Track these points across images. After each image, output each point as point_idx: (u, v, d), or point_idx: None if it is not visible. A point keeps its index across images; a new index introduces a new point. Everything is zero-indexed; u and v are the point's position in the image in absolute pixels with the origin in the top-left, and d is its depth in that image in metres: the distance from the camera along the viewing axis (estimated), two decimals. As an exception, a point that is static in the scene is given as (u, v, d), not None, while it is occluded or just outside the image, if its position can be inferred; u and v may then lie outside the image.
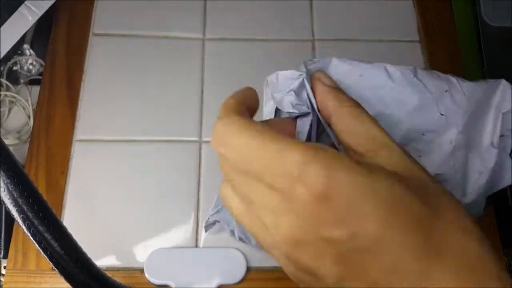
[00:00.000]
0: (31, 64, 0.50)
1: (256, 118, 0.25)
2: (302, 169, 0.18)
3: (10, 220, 0.43)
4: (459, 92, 0.29)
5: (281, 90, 0.27)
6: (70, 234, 0.21)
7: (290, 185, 0.18)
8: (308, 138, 0.26)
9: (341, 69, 0.28)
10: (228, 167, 0.21)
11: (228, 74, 0.47)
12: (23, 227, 0.18)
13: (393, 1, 0.51)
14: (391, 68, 0.29)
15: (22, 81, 0.49)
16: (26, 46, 0.50)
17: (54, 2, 0.45)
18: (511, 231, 0.42)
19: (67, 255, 0.19)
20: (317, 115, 0.26)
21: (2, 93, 0.48)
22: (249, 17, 0.50)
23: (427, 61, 0.49)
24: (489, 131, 0.30)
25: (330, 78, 0.27)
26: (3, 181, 0.18)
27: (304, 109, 0.26)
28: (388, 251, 0.18)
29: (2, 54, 0.43)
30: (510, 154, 0.30)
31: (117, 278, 0.25)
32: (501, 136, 0.30)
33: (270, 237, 0.20)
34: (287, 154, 0.19)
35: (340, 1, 0.51)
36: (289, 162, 0.18)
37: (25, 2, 0.44)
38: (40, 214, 0.19)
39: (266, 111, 0.30)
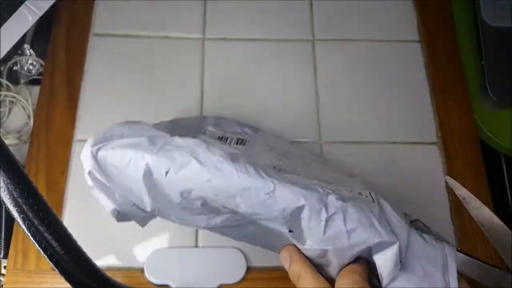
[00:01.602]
0: (31, 64, 0.50)
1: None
2: None
3: (10, 220, 0.43)
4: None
5: None
6: (70, 234, 0.21)
7: None
8: None
9: None
10: None
11: (228, 74, 0.47)
12: (23, 227, 0.18)
13: (393, 1, 0.52)
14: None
15: (22, 81, 0.49)
16: (26, 46, 0.50)
17: (54, 2, 0.45)
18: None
19: (67, 255, 0.19)
20: None
21: (2, 93, 0.48)
22: (249, 17, 0.50)
23: (427, 61, 0.49)
24: None
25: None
26: (3, 181, 0.18)
27: None
28: None
29: (2, 54, 0.43)
30: None
31: (117, 278, 0.25)
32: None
33: None
34: None
35: (340, 1, 0.51)
36: None
37: (25, 2, 0.44)
38: (40, 214, 0.19)
39: None
